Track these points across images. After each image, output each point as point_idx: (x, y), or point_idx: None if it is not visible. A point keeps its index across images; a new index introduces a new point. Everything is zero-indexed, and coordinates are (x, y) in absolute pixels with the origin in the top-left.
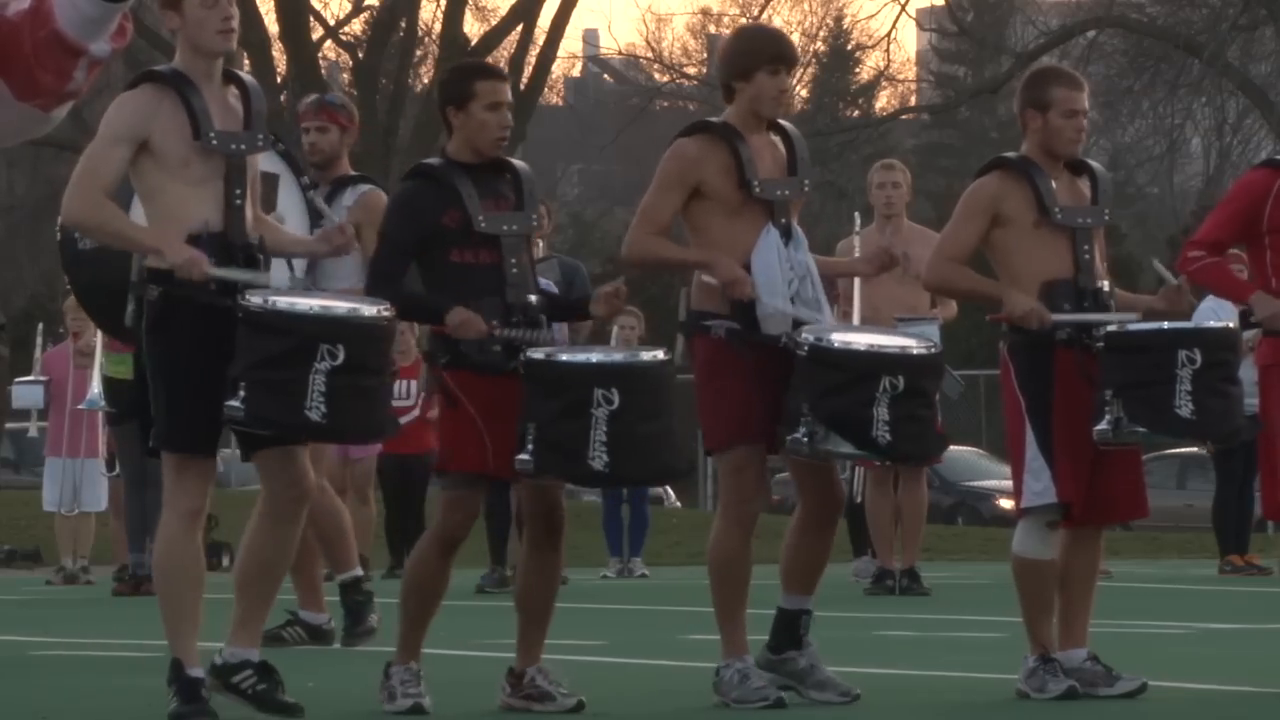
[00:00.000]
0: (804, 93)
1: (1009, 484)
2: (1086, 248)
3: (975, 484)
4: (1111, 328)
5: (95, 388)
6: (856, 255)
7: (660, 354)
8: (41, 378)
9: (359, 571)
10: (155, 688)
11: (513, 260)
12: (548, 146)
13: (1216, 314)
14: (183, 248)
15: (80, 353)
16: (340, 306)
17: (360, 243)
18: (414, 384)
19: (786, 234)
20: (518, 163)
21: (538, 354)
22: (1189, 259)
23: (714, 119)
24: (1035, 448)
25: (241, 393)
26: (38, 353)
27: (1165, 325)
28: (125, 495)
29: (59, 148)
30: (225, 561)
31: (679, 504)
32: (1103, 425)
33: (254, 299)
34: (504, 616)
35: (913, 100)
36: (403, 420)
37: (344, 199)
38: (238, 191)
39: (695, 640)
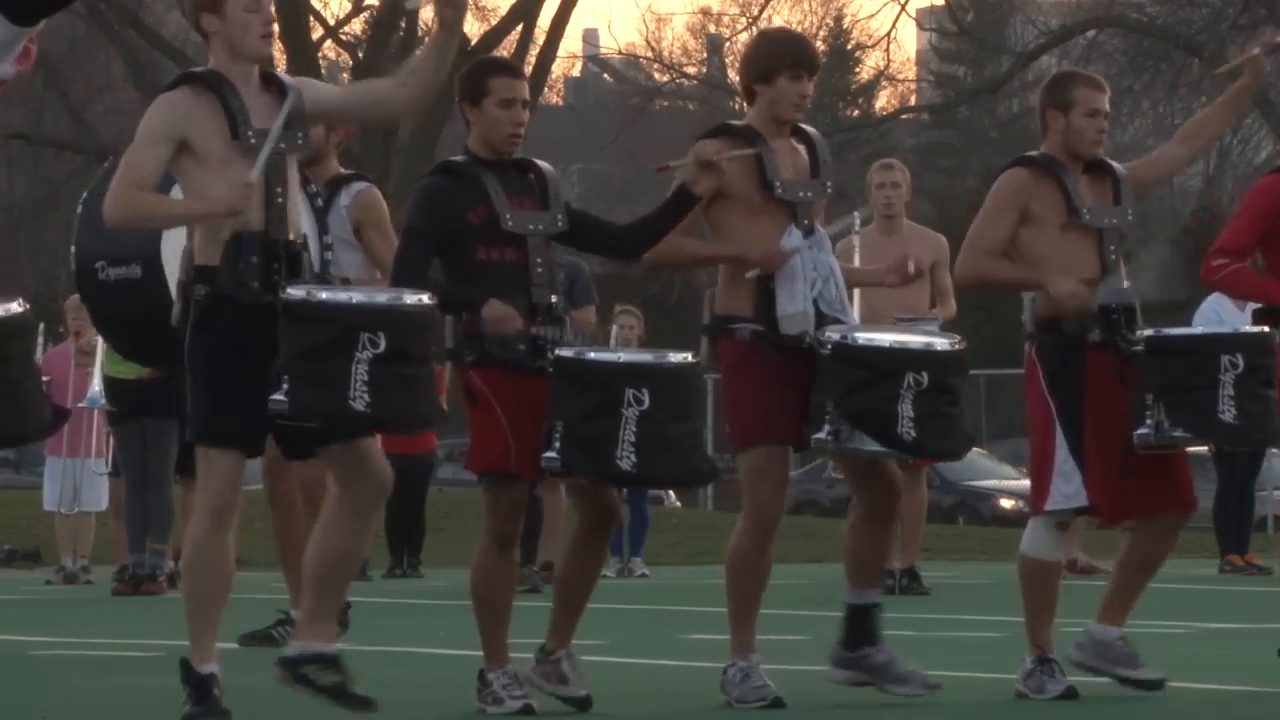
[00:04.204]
0: None
1: (1009, 484)
2: (1113, 248)
3: (975, 484)
4: (1149, 332)
5: (96, 386)
6: (856, 255)
7: (689, 356)
8: (43, 378)
9: None
10: (155, 687)
11: (538, 260)
12: (548, 146)
13: (1218, 313)
14: (219, 197)
15: (81, 351)
16: (380, 295)
17: (361, 241)
18: None
19: (809, 234)
20: (542, 164)
21: (568, 352)
22: (1213, 268)
23: (735, 122)
24: (1066, 450)
25: (285, 385)
26: (38, 352)
27: (1206, 331)
28: (125, 495)
29: (59, 148)
30: None
31: (679, 504)
32: (1143, 429)
33: (295, 292)
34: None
35: (913, 100)
36: None
37: (341, 199)
38: (279, 190)
39: (695, 640)
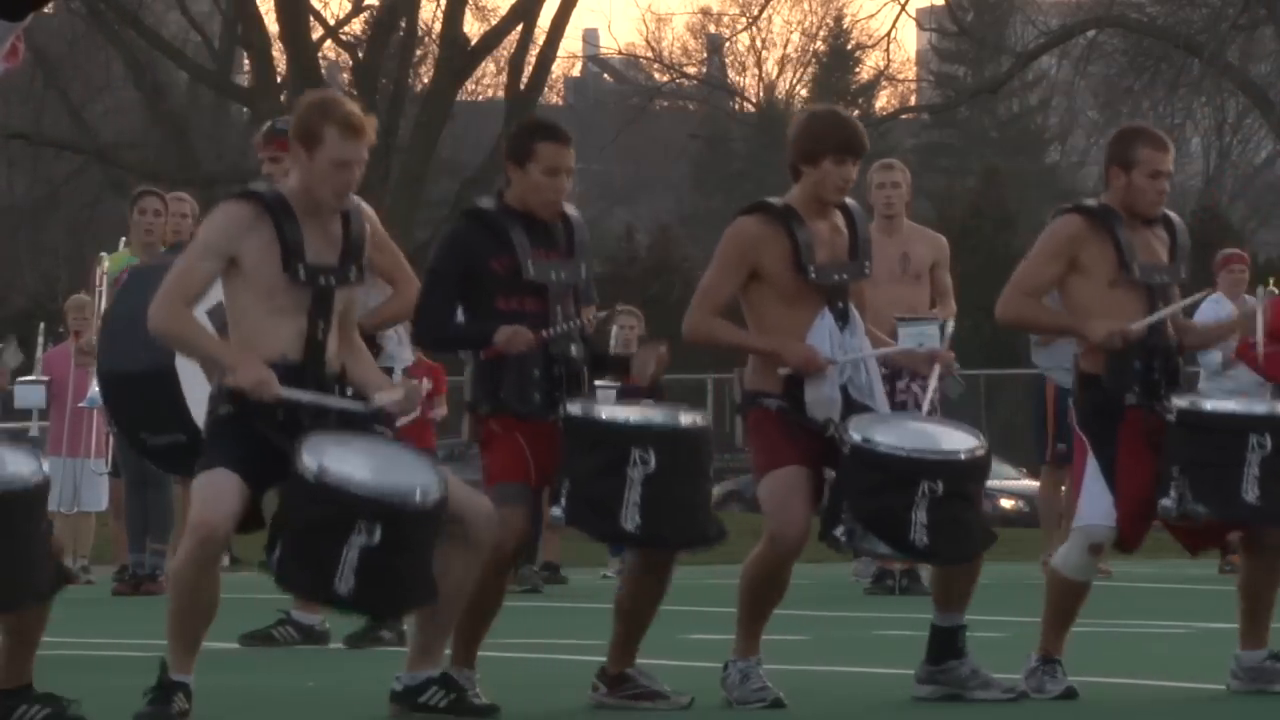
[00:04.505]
0: (804, 92)
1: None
2: (1161, 305)
3: None
4: (1183, 404)
5: (96, 386)
6: None
7: (699, 418)
8: (43, 378)
9: None
10: None
11: (559, 309)
12: None
13: (1216, 314)
14: (254, 368)
15: (81, 352)
16: (387, 486)
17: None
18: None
19: (843, 318)
20: (571, 210)
21: (576, 409)
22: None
23: (775, 200)
24: (1096, 470)
25: (277, 551)
26: (39, 352)
27: (1238, 409)
28: (125, 495)
29: (59, 148)
30: (225, 561)
31: None
32: (1167, 501)
33: (308, 462)
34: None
35: (913, 100)
36: (403, 421)
37: None
38: (321, 324)
39: (696, 640)
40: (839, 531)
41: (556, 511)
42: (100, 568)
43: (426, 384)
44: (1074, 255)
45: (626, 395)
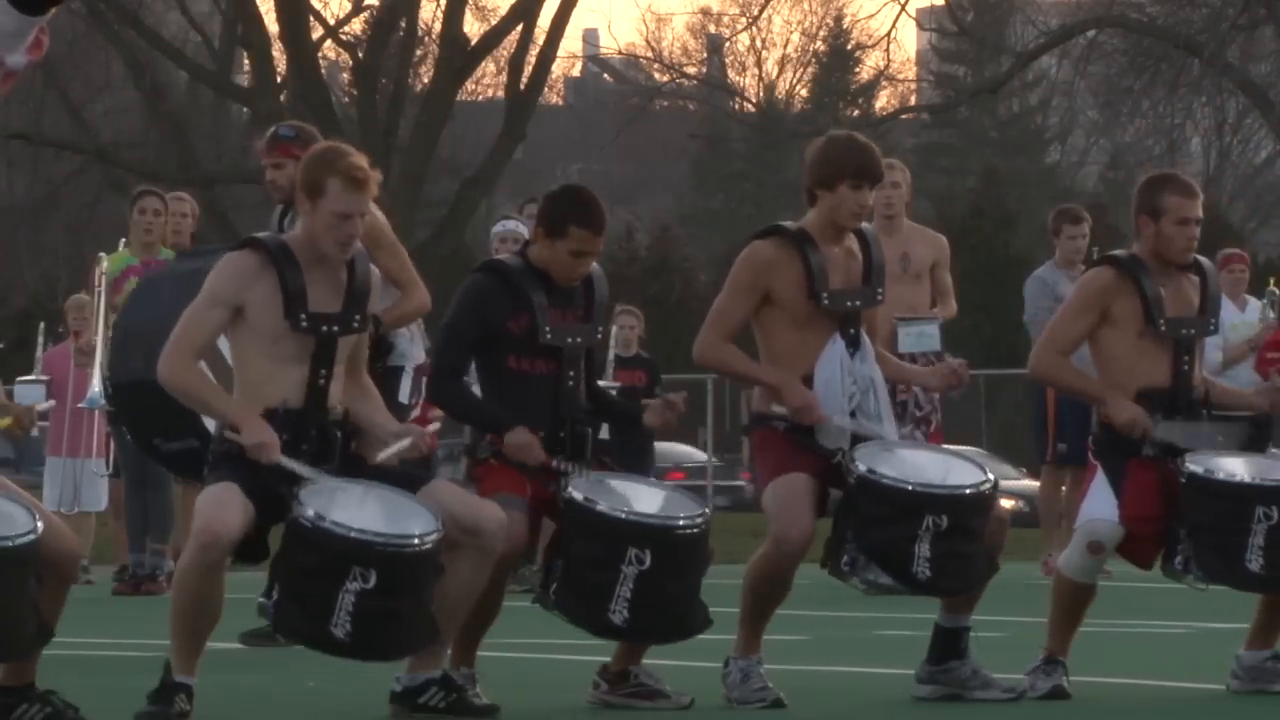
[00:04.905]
0: (804, 92)
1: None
2: (1187, 358)
3: None
4: (1195, 469)
5: (96, 386)
6: None
7: (699, 516)
8: (43, 377)
9: None
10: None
11: (570, 372)
12: (548, 146)
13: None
14: (257, 428)
15: (81, 351)
16: (380, 532)
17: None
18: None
19: (854, 344)
20: (595, 269)
21: (578, 495)
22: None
23: (790, 224)
24: (1104, 479)
25: (275, 596)
26: (39, 352)
27: (1248, 480)
28: (125, 495)
29: (59, 148)
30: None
31: None
32: (1173, 565)
33: (305, 509)
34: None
35: (913, 100)
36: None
37: None
38: (323, 371)
39: (696, 640)
40: (843, 561)
41: (546, 591)
42: (100, 568)
43: (435, 426)
44: (1105, 307)
45: (625, 392)
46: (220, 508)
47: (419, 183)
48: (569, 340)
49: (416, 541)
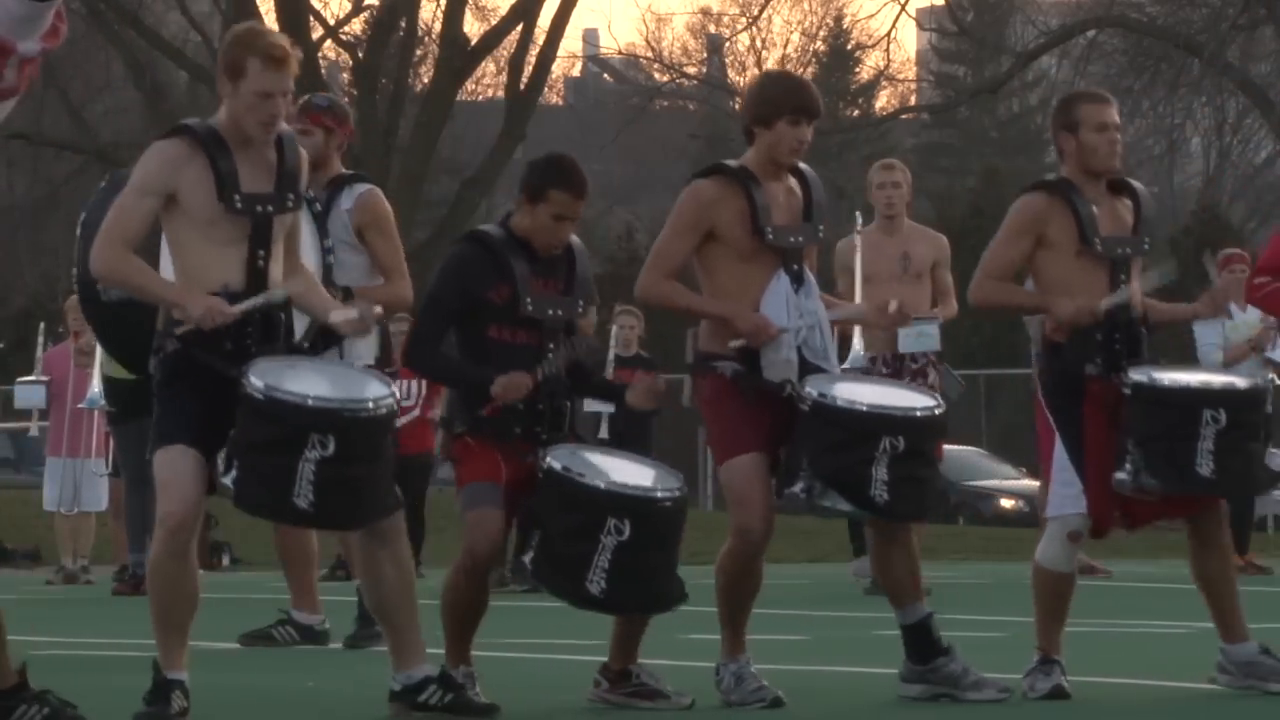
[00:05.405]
0: None
1: (1010, 484)
2: (1124, 277)
3: (976, 484)
4: (1140, 378)
5: (95, 386)
6: (857, 254)
7: (677, 490)
8: (43, 378)
9: None
10: None
11: (550, 345)
12: (548, 146)
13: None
14: (200, 299)
15: (81, 352)
16: (334, 399)
17: (363, 244)
18: (413, 384)
19: (798, 280)
20: (576, 243)
21: (558, 465)
22: (1256, 285)
23: (730, 162)
24: (1064, 459)
25: (234, 472)
26: (39, 352)
27: (1192, 382)
28: (125, 495)
29: (59, 148)
30: (225, 561)
31: None
32: (1122, 475)
33: (255, 382)
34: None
35: (913, 100)
36: (403, 420)
37: (342, 201)
38: (261, 253)
39: (695, 640)
40: (797, 488)
41: (524, 560)
42: (100, 568)
43: (378, 308)
44: (1040, 232)
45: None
46: (177, 484)
47: (419, 183)
48: (549, 312)
49: (371, 405)
